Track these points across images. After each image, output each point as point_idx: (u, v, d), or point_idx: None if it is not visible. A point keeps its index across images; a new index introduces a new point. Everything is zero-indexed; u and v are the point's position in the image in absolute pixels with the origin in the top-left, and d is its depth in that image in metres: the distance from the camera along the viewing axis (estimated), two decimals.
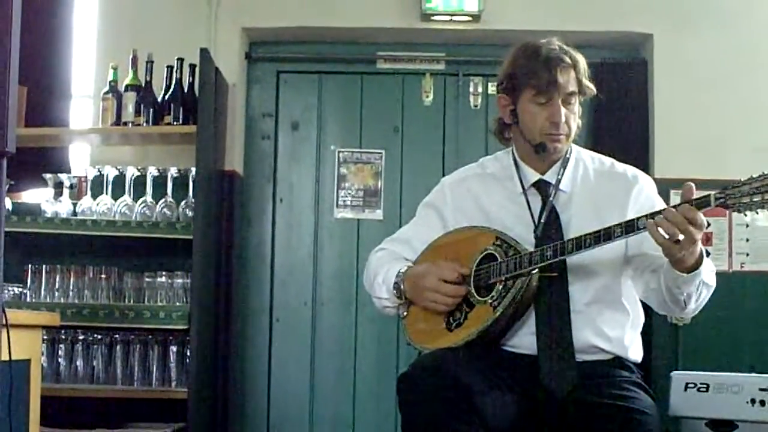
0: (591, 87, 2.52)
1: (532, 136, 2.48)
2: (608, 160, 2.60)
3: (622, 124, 4.46)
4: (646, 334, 2.52)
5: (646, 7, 4.48)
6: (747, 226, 4.36)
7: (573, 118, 2.48)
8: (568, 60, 2.44)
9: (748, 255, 4.37)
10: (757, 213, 2.11)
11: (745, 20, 4.46)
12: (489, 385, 2.23)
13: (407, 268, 2.55)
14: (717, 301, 4.21)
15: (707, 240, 4.34)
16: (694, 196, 2.17)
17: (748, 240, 4.37)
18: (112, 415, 4.08)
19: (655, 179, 4.18)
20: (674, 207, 2.18)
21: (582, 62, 2.49)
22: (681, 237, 2.15)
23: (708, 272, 2.30)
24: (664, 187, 4.15)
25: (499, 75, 2.57)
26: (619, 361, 2.41)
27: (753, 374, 3.02)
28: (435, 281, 2.44)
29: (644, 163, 4.34)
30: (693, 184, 2.20)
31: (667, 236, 2.16)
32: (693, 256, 2.21)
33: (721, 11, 4.46)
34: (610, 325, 2.41)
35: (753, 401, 2.85)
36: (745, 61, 4.43)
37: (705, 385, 2.96)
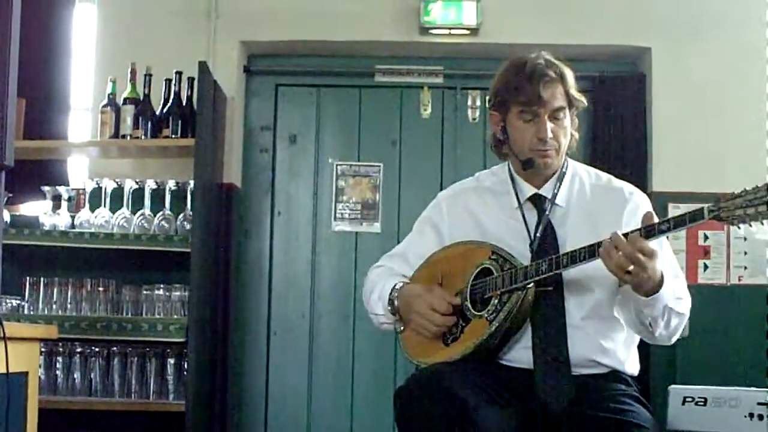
0: (581, 99, 2.49)
1: (521, 152, 2.48)
2: (605, 176, 2.59)
3: (621, 138, 4.47)
4: (644, 347, 2.52)
5: (645, 22, 4.49)
6: (745, 239, 4.36)
7: (562, 133, 2.46)
8: (552, 74, 2.42)
9: (746, 268, 4.37)
10: (751, 226, 2.09)
11: (743, 34, 4.46)
12: (486, 399, 2.22)
13: (402, 285, 2.54)
14: (715, 315, 4.28)
15: (705, 253, 4.34)
16: (655, 219, 2.17)
17: (746, 253, 4.37)
18: (109, 428, 4.08)
19: (653, 193, 4.26)
20: (624, 235, 2.17)
21: (569, 75, 2.46)
22: (631, 267, 2.15)
23: (674, 299, 2.29)
24: (663, 201, 4.18)
25: (489, 91, 2.57)
26: (615, 375, 2.40)
27: (751, 388, 3.02)
28: (424, 308, 2.43)
29: (642, 177, 4.35)
30: (653, 213, 2.21)
31: (616, 265, 2.16)
32: (651, 281, 2.20)
33: (719, 25, 4.47)
34: (607, 339, 2.40)
35: (751, 415, 2.85)
36: (743, 75, 4.44)
37: (703, 399, 2.96)
